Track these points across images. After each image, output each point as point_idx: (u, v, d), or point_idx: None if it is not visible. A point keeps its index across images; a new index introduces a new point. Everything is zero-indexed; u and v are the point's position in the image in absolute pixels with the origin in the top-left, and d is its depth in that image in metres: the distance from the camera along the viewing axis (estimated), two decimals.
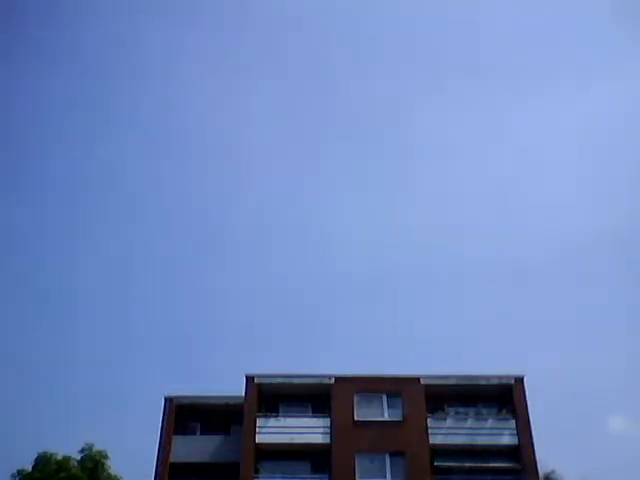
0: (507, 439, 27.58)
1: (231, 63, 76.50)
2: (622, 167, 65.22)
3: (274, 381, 29.13)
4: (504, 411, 28.37)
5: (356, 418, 27.84)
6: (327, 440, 27.44)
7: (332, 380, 28.88)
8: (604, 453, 36.26)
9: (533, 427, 27.60)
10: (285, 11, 73.13)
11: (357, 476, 26.41)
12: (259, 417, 28.01)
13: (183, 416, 29.41)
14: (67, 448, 28.49)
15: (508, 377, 29.03)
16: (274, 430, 27.69)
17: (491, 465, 26.92)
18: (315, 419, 28.20)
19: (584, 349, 52.96)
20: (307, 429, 27.75)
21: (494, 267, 63.09)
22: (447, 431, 27.75)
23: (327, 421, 27.92)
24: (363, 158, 72.78)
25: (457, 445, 27.45)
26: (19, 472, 27.49)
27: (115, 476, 28.51)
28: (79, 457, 28.42)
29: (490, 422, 28.03)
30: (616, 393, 44.21)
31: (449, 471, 26.86)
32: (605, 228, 60.10)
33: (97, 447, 28.58)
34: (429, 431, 27.53)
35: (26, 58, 66.17)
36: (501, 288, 62.29)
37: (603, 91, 64.30)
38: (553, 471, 29.95)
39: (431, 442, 27.25)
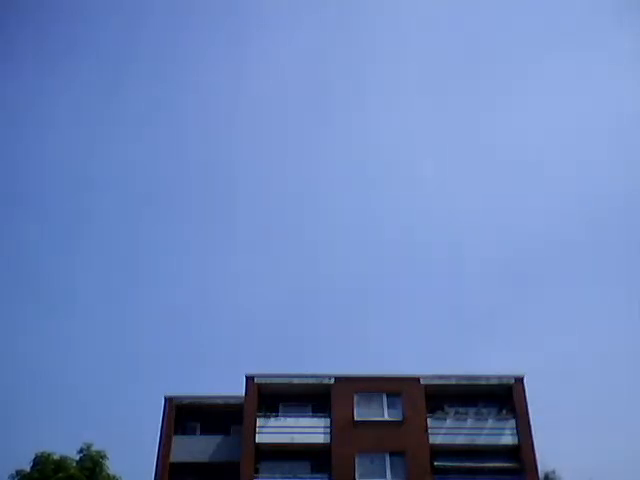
0: (507, 439, 27.59)
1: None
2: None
3: (274, 381, 29.11)
4: (504, 411, 28.37)
5: (356, 418, 27.82)
6: (327, 440, 27.44)
7: (332, 380, 28.86)
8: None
9: (533, 427, 27.63)
10: None
11: (357, 476, 26.42)
12: (259, 417, 28.00)
13: (183, 416, 29.41)
14: (66, 448, 28.47)
15: (508, 377, 29.05)
16: (274, 430, 27.67)
17: (491, 465, 26.91)
18: (315, 419, 28.17)
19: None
20: (307, 429, 27.72)
21: (493, 266, 63.24)
22: (447, 431, 27.74)
23: (327, 421, 27.91)
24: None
25: (457, 445, 27.47)
26: (18, 472, 27.39)
27: (114, 476, 28.42)
28: (78, 457, 28.34)
29: (490, 422, 28.03)
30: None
31: (449, 471, 26.85)
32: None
33: (96, 447, 28.54)
34: (429, 431, 27.53)
35: (26, 57, 66.09)
36: (501, 286, 62.45)
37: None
38: (553, 471, 29.98)
39: (431, 442, 27.25)
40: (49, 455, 27.67)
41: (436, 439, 27.42)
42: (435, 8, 71.08)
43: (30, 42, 64.76)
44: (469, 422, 28.06)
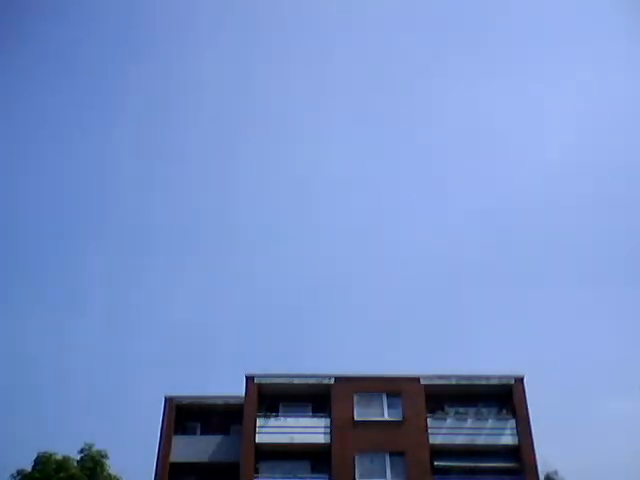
0: (507, 439, 27.53)
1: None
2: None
3: (274, 381, 29.10)
4: (504, 411, 28.33)
5: (356, 418, 27.80)
6: (327, 440, 27.41)
7: (332, 380, 28.84)
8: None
9: (533, 427, 27.60)
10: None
11: (357, 476, 26.40)
12: (259, 417, 27.98)
13: (183, 416, 29.41)
14: (67, 448, 28.53)
15: (508, 377, 29.00)
16: (274, 430, 27.65)
17: (491, 465, 26.86)
18: (315, 419, 28.16)
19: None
20: (307, 429, 27.71)
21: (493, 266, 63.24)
22: (447, 431, 27.69)
23: (327, 421, 27.89)
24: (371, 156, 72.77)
25: (457, 445, 27.42)
26: (19, 472, 27.50)
27: (115, 476, 28.53)
28: (79, 457, 28.44)
29: (490, 422, 27.98)
30: None
31: (449, 471, 26.84)
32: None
33: (97, 447, 28.62)
34: (429, 431, 27.49)
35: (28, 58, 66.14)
36: (500, 287, 62.42)
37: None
38: (556, 472, 29.93)
39: (431, 442, 27.22)
40: (51, 455, 27.80)
41: (436, 439, 27.38)
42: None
43: (29, 40, 64.75)
44: (469, 422, 28.00)
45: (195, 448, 28.23)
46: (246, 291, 64.36)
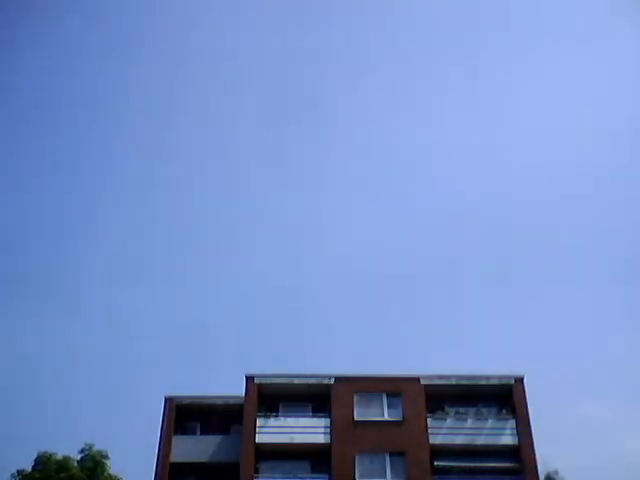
0: (507, 439, 27.53)
1: None
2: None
3: (274, 381, 29.11)
4: (504, 411, 28.33)
5: (356, 418, 27.81)
6: (327, 440, 27.41)
7: (332, 380, 28.85)
8: None
9: (533, 427, 27.60)
10: None
11: (357, 476, 26.40)
12: (259, 417, 27.98)
13: (183, 416, 29.41)
14: (67, 448, 28.54)
15: (508, 377, 29.00)
16: (274, 430, 27.66)
17: (491, 465, 26.86)
18: (315, 419, 28.17)
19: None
20: (307, 429, 27.71)
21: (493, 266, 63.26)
22: (447, 431, 27.70)
23: (327, 421, 27.89)
24: (367, 158, 72.81)
25: (457, 445, 27.42)
26: (19, 472, 27.52)
27: (115, 476, 28.55)
28: (79, 457, 28.46)
29: (490, 422, 27.99)
30: None
31: (449, 471, 26.83)
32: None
33: (97, 447, 28.64)
34: (429, 431, 27.49)
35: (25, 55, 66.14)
36: (501, 287, 62.44)
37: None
38: (556, 471, 29.95)
39: (431, 442, 27.22)
40: (51, 455, 27.82)
41: (436, 439, 27.38)
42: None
43: (29, 39, 64.79)
44: (469, 422, 28.01)
45: (195, 448, 28.23)
46: (246, 291, 64.39)
